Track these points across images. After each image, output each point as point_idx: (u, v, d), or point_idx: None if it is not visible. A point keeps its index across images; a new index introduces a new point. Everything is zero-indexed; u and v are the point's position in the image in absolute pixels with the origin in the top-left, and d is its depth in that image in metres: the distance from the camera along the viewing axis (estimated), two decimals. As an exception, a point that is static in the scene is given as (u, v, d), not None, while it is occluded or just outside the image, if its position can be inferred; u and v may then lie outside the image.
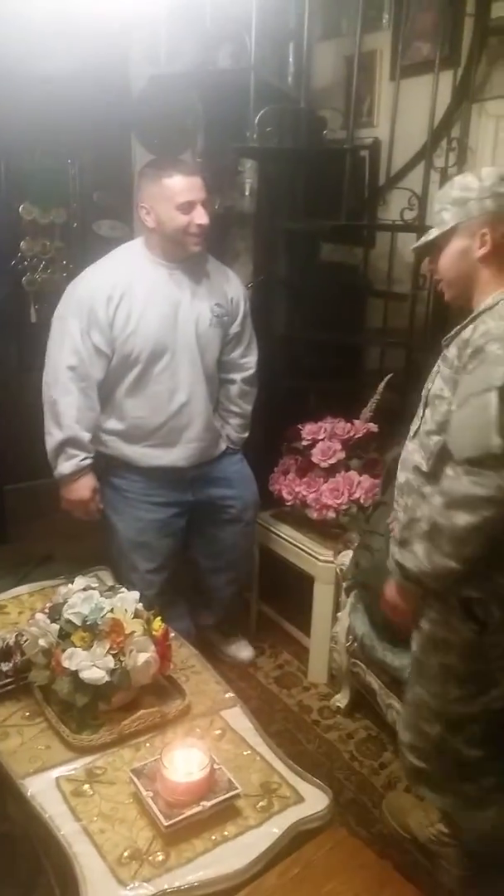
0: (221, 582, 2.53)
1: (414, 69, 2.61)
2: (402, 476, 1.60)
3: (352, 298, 2.88)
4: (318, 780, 1.42)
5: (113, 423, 2.17)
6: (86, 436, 2.10)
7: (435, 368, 1.55)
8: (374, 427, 2.56)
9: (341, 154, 2.57)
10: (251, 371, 2.35)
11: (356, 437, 2.53)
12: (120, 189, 3.36)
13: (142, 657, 1.52)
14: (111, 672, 1.48)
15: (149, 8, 2.47)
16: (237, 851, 1.26)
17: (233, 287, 2.26)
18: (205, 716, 1.58)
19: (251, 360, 2.35)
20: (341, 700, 2.41)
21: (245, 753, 1.48)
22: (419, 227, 2.54)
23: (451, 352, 1.47)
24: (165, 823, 1.26)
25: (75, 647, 1.50)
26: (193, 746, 1.37)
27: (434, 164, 2.51)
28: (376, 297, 2.85)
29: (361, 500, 2.41)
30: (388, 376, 2.60)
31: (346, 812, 1.96)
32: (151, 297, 2.08)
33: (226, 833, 1.29)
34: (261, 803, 1.36)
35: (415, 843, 1.84)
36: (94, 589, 1.64)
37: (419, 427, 1.55)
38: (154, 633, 1.59)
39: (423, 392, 1.58)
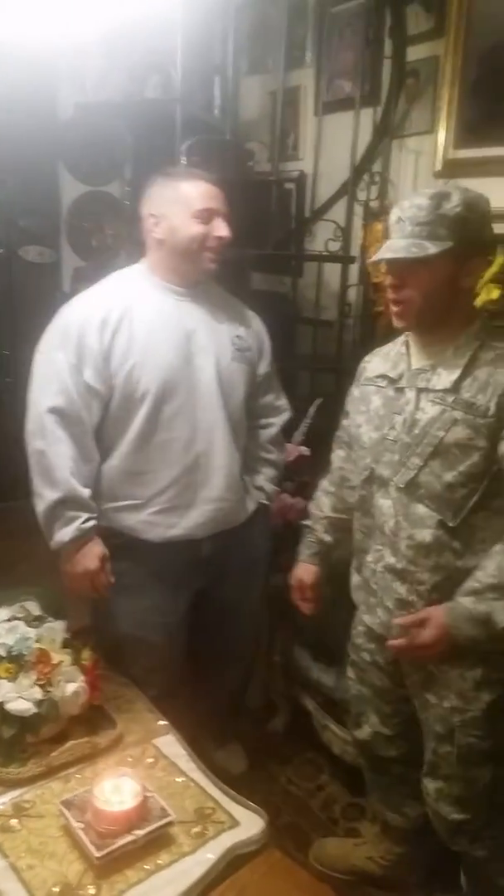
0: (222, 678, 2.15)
1: (336, 105, 2.71)
2: (422, 534, 1.42)
3: (282, 325, 2.92)
4: (252, 804, 1.41)
5: (112, 486, 1.77)
6: (85, 492, 1.71)
7: (413, 411, 1.43)
8: (306, 451, 2.59)
9: (268, 186, 2.64)
10: (287, 414, 2.05)
11: (288, 460, 2.56)
12: (47, 215, 3.34)
13: (70, 687, 1.49)
14: (38, 703, 1.45)
15: (76, 36, 2.49)
16: (171, 879, 1.24)
17: (253, 321, 1.95)
18: (137, 744, 1.56)
19: (285, 402, 2.06)
20: (278, 724, 2.40)
21: (179, 780, 1.46)
22: (344, 258, 2.62)
23: (478, 398, 1.36)
24: (97, 855, 1.23)
25: (0, 678, 1.46)
26: (125, 775, 1.35)
27: (357, 198, 2.60)
28: (305, 325, 2.91)
29: (294, 523, 2.43)
30: (318, 401, 2.64)
31: (283, 836, 1.95)
32: (158, 324, 1.73)
33: (159, 861, 1.27)
34: (195, 829, 1.34)
35: (368, 879, 1.84)
36: (19, 619, 1.60)
37: (414, 478, 1.41)
38: (83, 662, 1.56)
39: (400, 437, 1.45)
